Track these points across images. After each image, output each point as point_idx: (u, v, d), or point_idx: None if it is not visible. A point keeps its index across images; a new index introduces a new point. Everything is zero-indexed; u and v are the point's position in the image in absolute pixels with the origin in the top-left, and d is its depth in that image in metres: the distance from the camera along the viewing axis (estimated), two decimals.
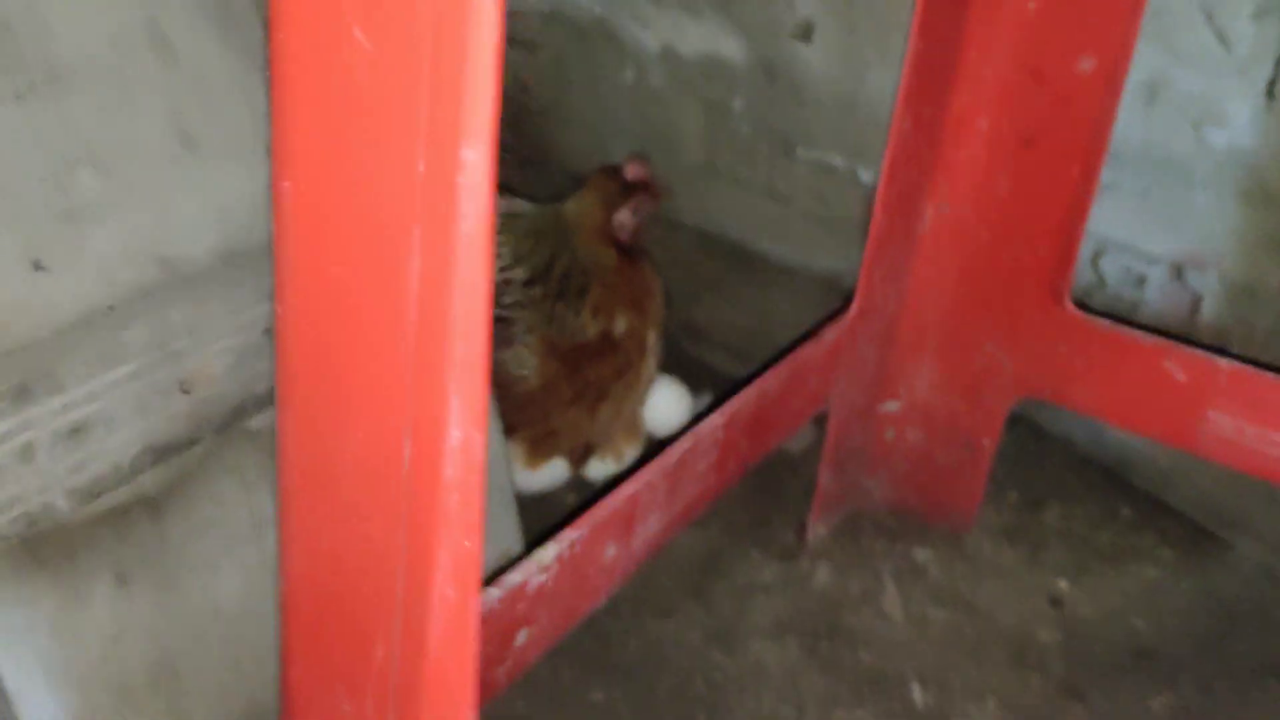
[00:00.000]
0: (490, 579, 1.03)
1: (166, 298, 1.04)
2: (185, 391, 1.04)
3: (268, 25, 0.53)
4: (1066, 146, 1.38)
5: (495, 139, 0.50)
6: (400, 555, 0.62)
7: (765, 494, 1.75)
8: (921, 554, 1.64)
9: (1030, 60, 1.35)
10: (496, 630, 1.02)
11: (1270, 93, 1.54)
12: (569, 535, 1.07)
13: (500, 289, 1.63)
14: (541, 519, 1.55)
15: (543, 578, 1.04)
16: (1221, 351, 1.61)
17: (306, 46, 0.53)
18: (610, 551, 1.16)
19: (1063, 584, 1.61)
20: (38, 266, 0.98)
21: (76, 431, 0.97)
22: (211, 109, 1.09)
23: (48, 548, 1.01)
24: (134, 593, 1.08)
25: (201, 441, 1.08)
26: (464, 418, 0.56)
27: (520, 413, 1.65)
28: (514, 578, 1.01)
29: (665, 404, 1.85)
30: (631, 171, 1.69)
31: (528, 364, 1.63)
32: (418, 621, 0.63)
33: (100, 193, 1.02)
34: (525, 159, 2.37)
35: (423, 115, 0.50)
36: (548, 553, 1.04)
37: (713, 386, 1.92)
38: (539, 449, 1.69)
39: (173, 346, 1.03)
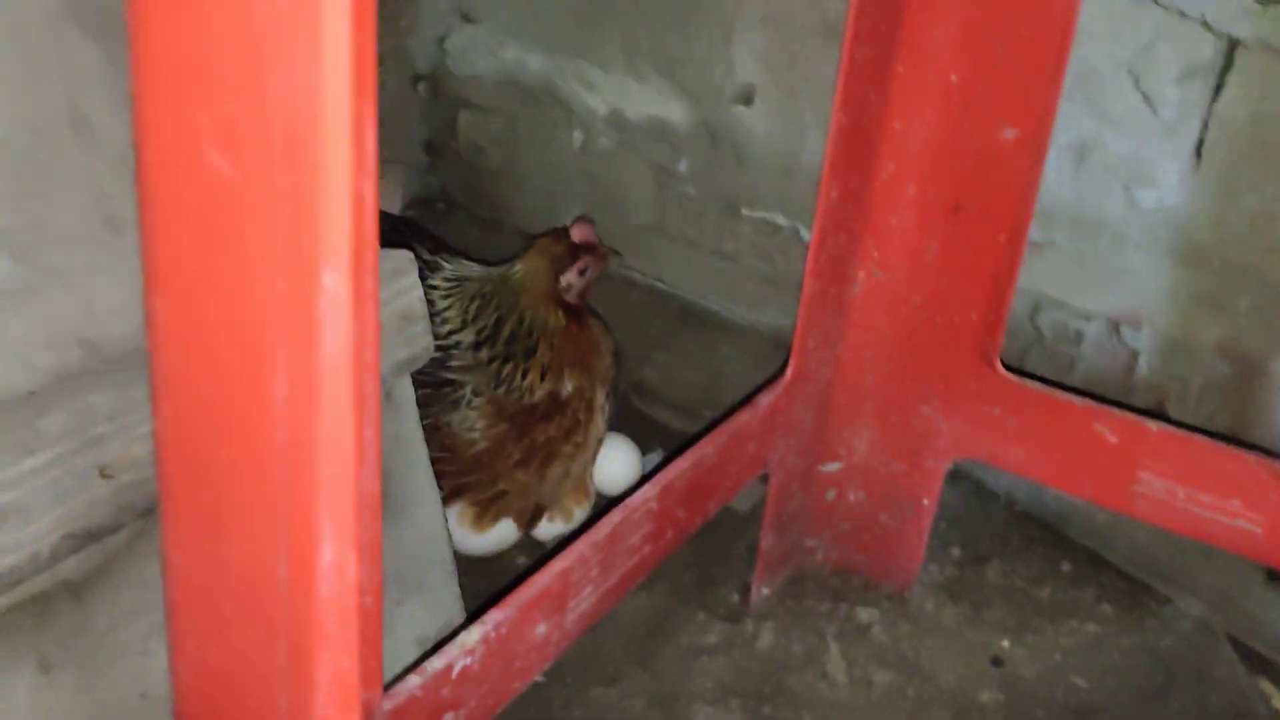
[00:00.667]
0: (415, 663, 1.03)
1: (88, 382, 1.04)
2: (107, 476, 1.04)
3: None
4: (993, 212, 1.40)
5: (360, 262, 0.51)
6: (281, 674, 0.62)
7: (711, 554, 1.75)
8: (865, 614, 1.65)
9: (954, 130, 1.38)
10: (422, 717, 1.01)
11: (1198, 153, 1.57)
12: (494, 616, 1.07)
13: (448, 352, 1.64)
14: (492, 582, 1.55)
15: (467, 660, 1.04)
16: (1154, 412, 1.64)
17: (168, 167, 0.54)
18: (541, 630, 1.16)
19: (1004, 643, 1.62)
20: None
21: None
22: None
23: None
24: (58, 680, 1.07)
25: (124, 527, 1.07)
26: (336, 537, 0.56)
27: (468, 475, 1.65)
28: (436, 663, 1.01)
29: (615, 463, 1.86)
30: (578, 234, 1.70)
31: (476, 426, 1.64)
32: None
33: (19, 278, 1.02)
34: (480, 219, 2.39)
35: (280, 239, 0.51)
36: (472, 635, 1.04)
37: (664, 444, 1.93)
38: (487, 511, 1.69)
39: (93, 431, 1.02)
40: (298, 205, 0.50)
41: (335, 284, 0.50)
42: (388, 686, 0.97)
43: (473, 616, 1.08)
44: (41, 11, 1.04)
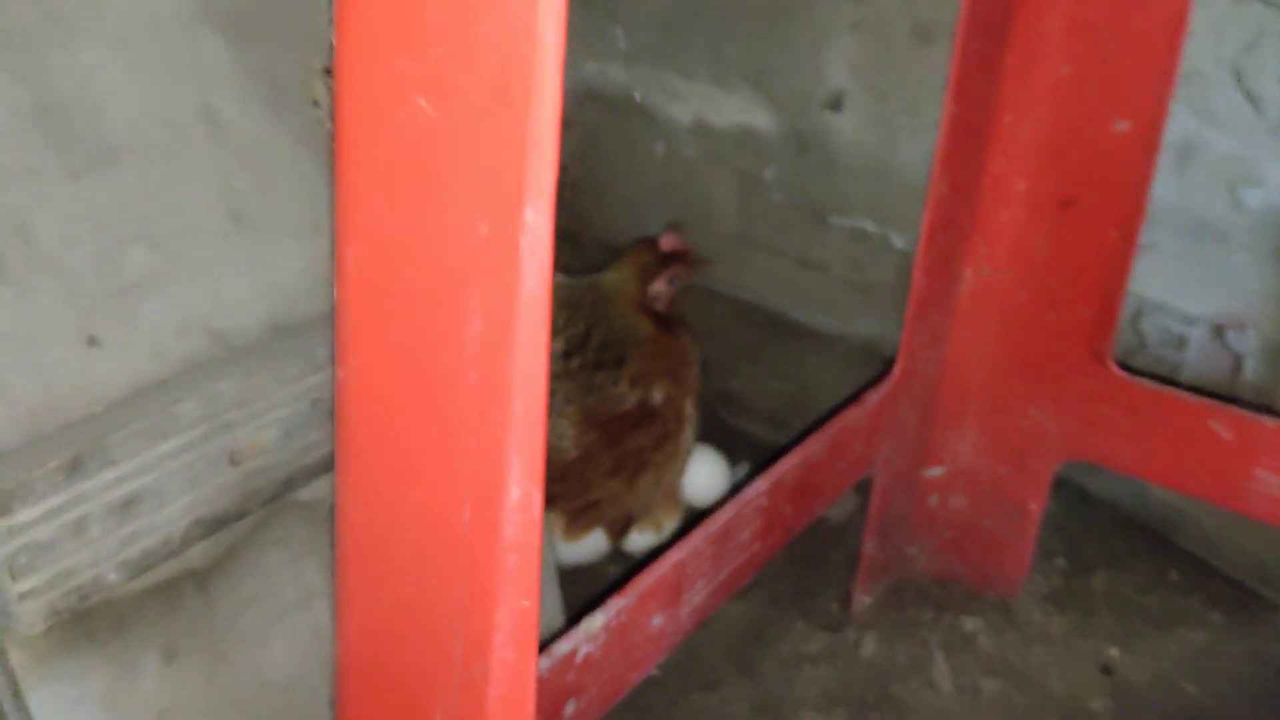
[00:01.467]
0: (542, 646, 1.02)
1: (217, 370, 1.05)
2: (235, 464, 1.05)
3: (329, 101, 0.55)
4: (1104, 208, 1.38)
5: (554, 200, 0.51)
6: (458, 618, 0.61)
7: (808, 564, 1.73)
8: (970, 623, 1.62)
9: (1065, 123, 1.36)
10: (546, 701, 1.01)
11: None
12: (616, 604, 1.06)
13: None
14: (582, 592, 1.54)
15: (590, 647, 1.03)
16: (1267, 410, 1.60)
17: (372, 115, 0.54)
18: (657, 621, 1.14)
19: (1113, 651, 1.58)
20: (92, 342, 1.00)
21: (129, 504, 0.97)
22: (262, 186, 1.11)
23: (98, 622, 1.01)
24: (182, 667, 1.07)
25: (250, 514, 1.08)
26: (524, 476, 0.56)
27: (559, 484, 1.65)
28: (562, 647, 1.00)
29: (703, 474, 1.84)
30: (668, 242, 1.70)
31: (566, 435, 1.63)
32: (476, 685, 0.62)
33: (152, 268, 1.04)
34: (560, 234, 2.39)
35: (485, 180, 0.51)
36: (595, 621, 1.03)
37: (750, 456, 1.92)
38: (579, 521, 1.68)
39: (223, 419, 1.03)
40: (504, 146, 0.50)
41: (536, 219, 0.51)
42: None
43: (585, 609, 1.07)
44: (176, 10, 1.07)
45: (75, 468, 0.93)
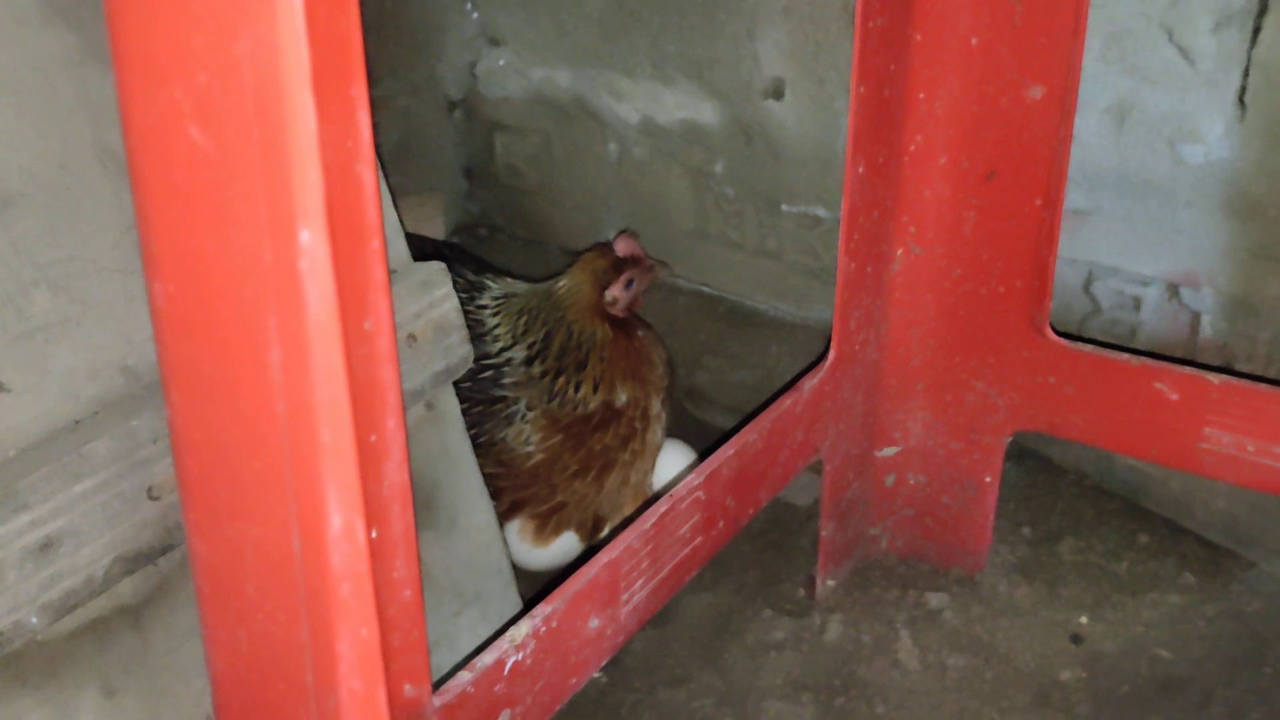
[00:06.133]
0: (465, 660, 1.03)
1: (130, 407, 1.06)
2: (154, 498, 1.05)
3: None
4: (1028, 175, 1.38)
5: (338, 218, 0.51)
6: (305, 650, 0.62)
7: (774, 550, 1.73)
8: (935, 599, 1.61)
9: (979, 94, 1.35)
10: (476, 714, 1.01)
11: (1241, 103, 1.53)
12: (543, 610, 1.06)
13: (500, 370, 1.65)
14: None
15: (518, 656, 1.03)
16: (1223, 369, 1.58)
17: (153, 148, 0.55)
18: (594, 623, 1.15)
19: (1083, 619, 1.58)
20: (1, 388, 1.01)
21: (45, 547, 0.98)
22: None
23: (28, 665, 1.02)
24: (122, 704, 1.08)
25: (175, 546, 1.09)
26: (342, 504, 0.56)
27: (527, 489, 1.65)
28: (486, 659, 1.00)
29: (672, 468, 1.84)
30: (622, 247, 1.70)
31: (531, 439, 1.64)
32: (330, 717, 0.62)
33: (59, 310, 1.05)
34: (522, 240, 2.40)
35: (261, 204, 0.51)
36: (520, 629, 1.03)
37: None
38: (548, 524, 1.69)
39: (139, 455, 1.04)
40: (271, 166, 0.50)
41: (312, 241, 0.51)
42: (437, 685, 0.96)
43: (521, 613, 1.08)
44: (61, 52, 1.07)
45: None
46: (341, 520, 0.56)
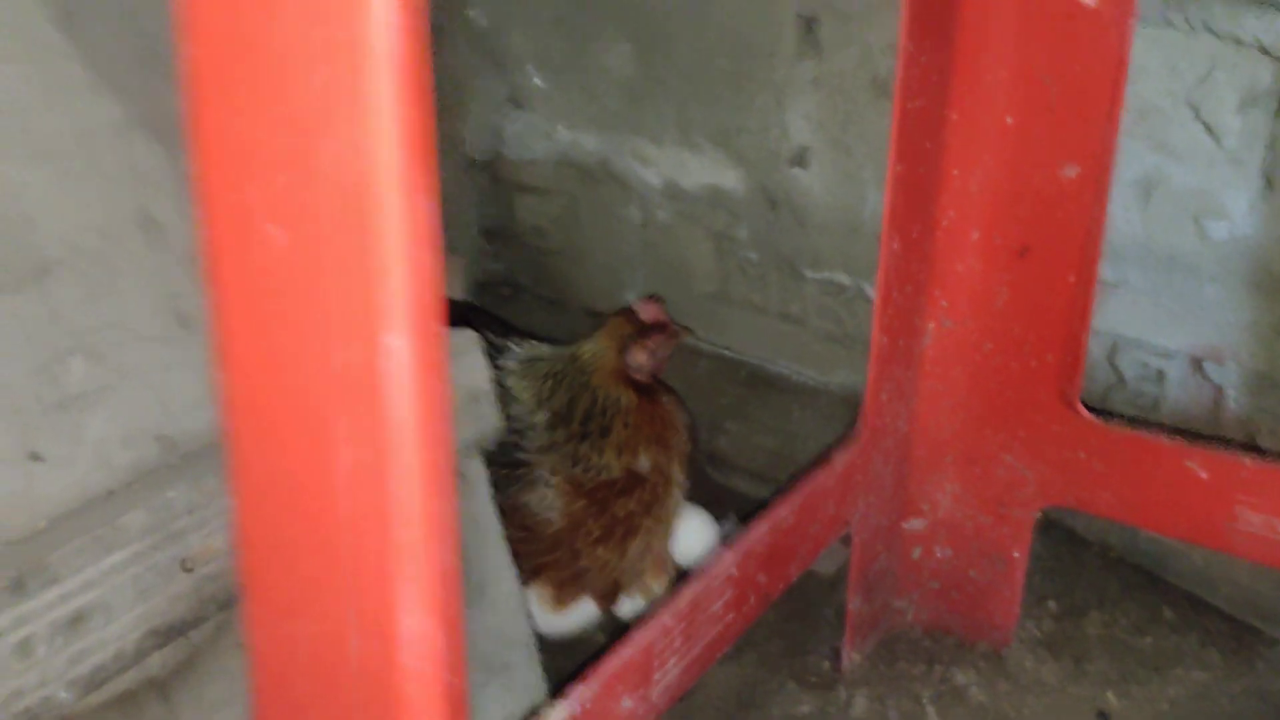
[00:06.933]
0: None
1: (166, 477, 1.05)
2: (187, 570, 1.04)
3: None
4: (1061, 252, 1.38)
5: (425, 323, 0.51)
6: None
7: (798, 620, 1.71)
8: (961, 675, 1.59)
9: (1014, 172, 1.36)
10: None
11: (1266, 180, 1.54)
12: (579, 692, 1.05)
13: (523, 434, 1.64)
14: (573, 663, 1.53)
15: None
16: (1248, 446, 1.58)
17: (228, 246, 0.55)
18: (627, 704, 1.13)
19: (1109, 695, 1.56)
20: (34, 458, 1.00)
21: (76, 621, 0.97)
22: None
23: None
24: None
25: (207, 620, 1.07)
26: (416, 605, 0.55)
27: (547, 554, 1.64)
28: None
29: (692, 535, 1.83)
30: (646, 313, 1.70)
31: (553, 505, 1.63)
32: None
33: (94, 379, 1.04)
34: (545, 301, 2.41)
35: (340, 305, 0.51)
36: (557, 713, 1.02)
37: (739, 512, 1.90)
38: (566, 590, 1.67)
39: (173, 526, 1.03)
40: (354, 268, 0.50)
41: (398, 343, 0.50)
42: None
43: (554, 693, 1.07)
44: (109, 119, 1.08)
45: (17, 588, 0.93)
46: (413, 620, 0.56)
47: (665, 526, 1.75)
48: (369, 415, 0.53)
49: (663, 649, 1.17)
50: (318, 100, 0.47)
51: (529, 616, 1.48)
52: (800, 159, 1.93)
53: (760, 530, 1.29)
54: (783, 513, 1.32)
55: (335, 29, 0.46)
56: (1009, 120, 1.34)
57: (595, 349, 1.69)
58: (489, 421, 1.35)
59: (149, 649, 1.03)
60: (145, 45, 1.11)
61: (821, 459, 1.39)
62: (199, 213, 0.54)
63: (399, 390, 0.52)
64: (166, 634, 1.04)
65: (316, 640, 0.61)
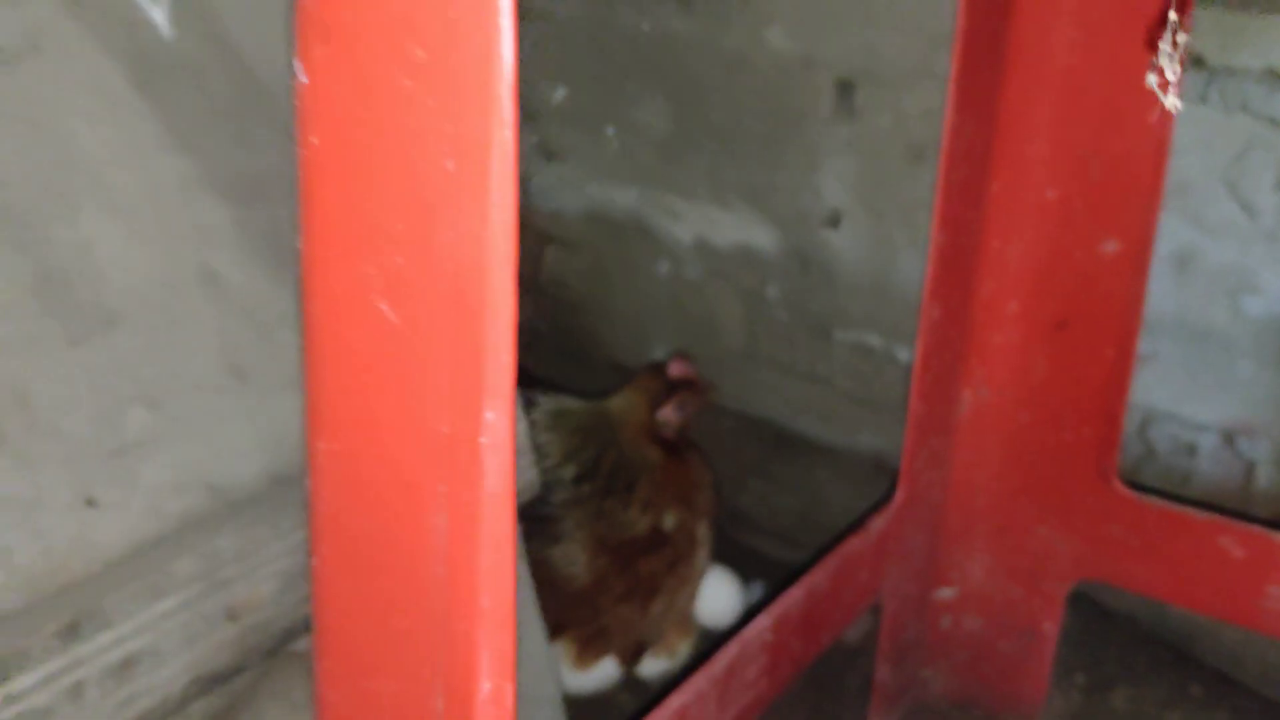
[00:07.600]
0: None
1: (215, 525, 1.06)
2: (233, 619, 1.05)
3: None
4: (1099, 327, 1.39)
5: (514, 398, 0.53)
6: None
7: (823, 689, 1.70)
8: None
9: (1054, 245, 1.37)
10: None
11: None
12: None
13: (549, 487, 1.65)
14: None
15: None
16: (1278, 523, 1.58)
17: (336, 317, 0.56)
18: None
19: None
20: (90, 504, 1.01)
21: (126, 666, 0.97)
22: (262, 342, 1.13)
23: None
24: None
25: (249, 668, 1.08)
26: (493, 670, 0.56)
27: (571, 611, 1.64)
28: None
29: (717, 595, 1.83)
30: (675, 369, 1.71)
31: (577, 560, 1.63)
32: None
33: (151, 427, 1.05)
34: (568, 353, 2.42)
35: (445, 380, 0.52)
36: None
37: (763, 574, 1.90)
38: (590, 648, 1.67)
39: (221, 575, 1.04)
40: (462, 347, 0.52)
41: (496, 419, 0.52)
42: None
43: None
44: (178, 177, 1.10)
45: (72, 632, 0.93)
46: (491, 685, 0.56)
47: (689, 586, 1.74)
48: (465, 484, 0.54)
49: (697, 714, 1.17)
50: (444, 189, 0.49)
51: (558, 675, 1.47)
52: (832, 220, 1.95)
53: (795, 596, 1.29)
54: (818, 578, 1.32)
55: (468, 126, 0.48)
56: (1050, 194, 1.35)
57: (624, 405, 1.69)
58: (525, 477, 1.36)
59: (193, 696, 1.03)
60: (211, 105, 1.13)
61: (857, 525, 1.39)
62: (307, 283, 0.56)
63: (496, 461, 0.53)
64: (210, 681, 1.04)
65: (399, 698, 0.61)
